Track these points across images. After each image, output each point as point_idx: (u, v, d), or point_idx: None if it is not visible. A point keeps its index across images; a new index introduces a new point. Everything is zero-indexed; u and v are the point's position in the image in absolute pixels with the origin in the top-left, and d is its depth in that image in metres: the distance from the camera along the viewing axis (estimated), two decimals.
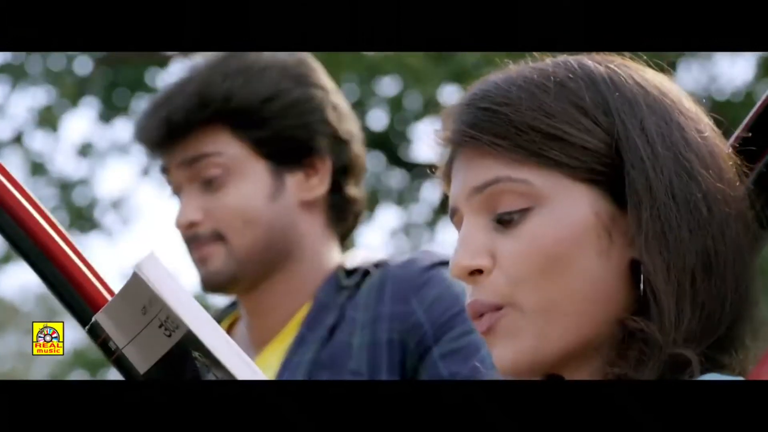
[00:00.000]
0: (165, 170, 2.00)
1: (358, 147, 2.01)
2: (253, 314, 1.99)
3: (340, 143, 1.99)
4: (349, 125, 2.00)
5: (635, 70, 1.28)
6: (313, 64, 2.02)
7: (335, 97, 2.00)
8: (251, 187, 1.95)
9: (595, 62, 1.28)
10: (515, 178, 1.23)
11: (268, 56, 1.99)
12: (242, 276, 1.95)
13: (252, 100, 1.95)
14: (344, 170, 1.99)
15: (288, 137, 1.96)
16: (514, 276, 1.22)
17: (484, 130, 1.24)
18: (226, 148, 1.95)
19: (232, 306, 2.09)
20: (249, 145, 1.95)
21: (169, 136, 1.96)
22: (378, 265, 1.95)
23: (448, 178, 1.29)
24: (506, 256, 1.23)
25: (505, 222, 1.23)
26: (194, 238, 1.96)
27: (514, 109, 1.24)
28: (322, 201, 1.98)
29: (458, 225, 1.27)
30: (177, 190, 1.99)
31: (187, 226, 1.95)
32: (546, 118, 1.23)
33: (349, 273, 1.96)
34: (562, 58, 1.29)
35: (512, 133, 1.23)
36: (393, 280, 1.90)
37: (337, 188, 1.98)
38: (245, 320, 2.02)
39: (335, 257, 1.99)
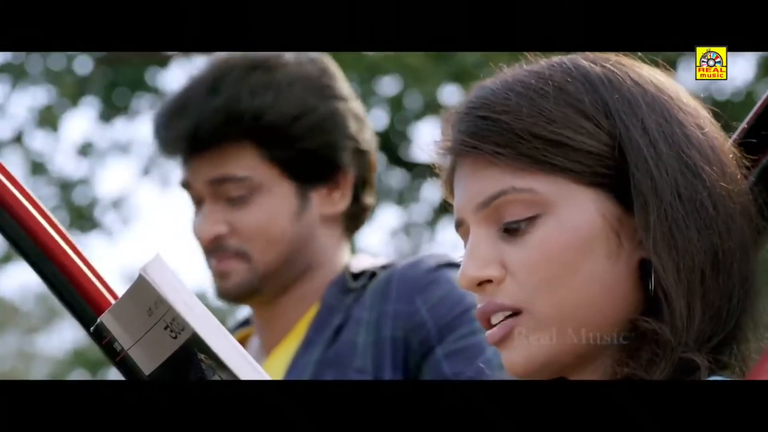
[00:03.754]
0: (186, 185, 1.98)
1: (374, 154, 2.01)
2: (266, 321, 2.00)
3: (360, 154, 1.98)
4: (367, 133, 1.99)
5: (631, 68, 1.27)
6: (333, 70, 1.99)
7: (355, 105, 1.98)
8: (277, 206, 1.94)
9: (590, 62, 1.27)
10: (519, 188, 1.23)
11: (292, 67, 1.95)
12: (262, 290, 1.95)
13: (281, 119, 1.93)
14: (363, 181, 1.99)
15: (314, 157, 1.94)
16: (526, 284, 1.22)
17: (486, 139, 1.24)
18: (253, 170, 1.93)
19: (245, 323, 2.10)
20: (276, 165, 1.94)
21: (195, 149, 1.94)
22: (384, 267, 1.96)
23: (450, 187, 1.28)
24: (517, 265, 1.23)
25: (512, 231, 1.23)
26: (217, 249, 1.95)
27: (514, 117, 1.23)
28: (341, 213, 1.99)
29: (464, 236, 1.27)
30: (198, 202, 1.97)
31: (212, 239, 1.94)
32: (547, 124, 1.23)
33: (356, 276, 1.96)
34: (557, 59, 1.28)
35: (514, 142, 1.23)
36: (399, 280, 1.91)
37: (355, 199, 1.99)
38: (258, 327, 2.02)
39: (345, 260, 2.00)
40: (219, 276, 1.96)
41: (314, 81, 1.96)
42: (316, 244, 1.96)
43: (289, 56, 1.96)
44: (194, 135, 1.92)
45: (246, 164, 1.93)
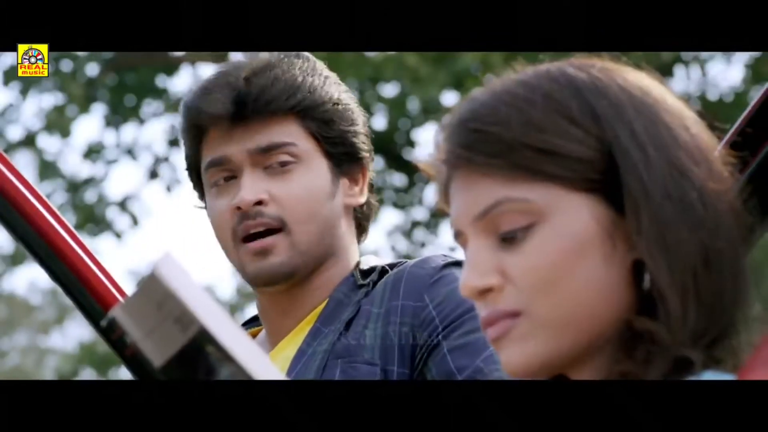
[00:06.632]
0: (220, 161, 1.99)
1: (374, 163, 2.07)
2: (278, 313, 2.02)
3: (371, 155, 2.05)
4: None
5: (617, 73, 1.29)
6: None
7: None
8: (315, 180, 1.98)
9: (576, 69, 1.28)
10: (513, 198, 1.25)
11: (322, 65, 2.03)
12: (301, 269, 1.97)
13: (326, 99, 1.99)
14: (371, 186, 2.05)
15: (348, 142, 2.00)
16: (525, 288, 1.24)
17: (477, 151, 1.26)
18: (298, 140, 1.98)
19: (251, 321, 2.12)
20: (317, 142, 1.98)
21: (242, 117, 1.96)
22: (393, 265, 2.00)
23: (446, 198, 1.30)
24: (516, 272, 1.25)
25: (509, 240, 1.25)
26: (257, 215, 1.95)
27: (504, 128, 1.25)
28: (358, 207, 2.03)
29: (463, 245, 1.29)
30: (234, 174, 1.98)
31: (254, 204, 1.95)
32: (537, 133, 1.25)
33: (366, 273, 2.00)
34: (543, 67, 1.29)
35: (505, 152, 1.25)
36: (408, 277, 1.94)
37: (367, 202, 2.04)
38: (268, 319, 2.04)
39: (357, 258, 2.04)
40: (259, 255, 1.96)
41: (339, 81, 2.04)
42: (339, 231, 2.00)
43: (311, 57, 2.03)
44: (252, 100, 1.95)
45: (291, 134, 1.98)
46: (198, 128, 1.99)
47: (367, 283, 1.98)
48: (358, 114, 2.02)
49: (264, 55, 2.01)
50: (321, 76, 2.00)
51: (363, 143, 2.02)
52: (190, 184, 2.07)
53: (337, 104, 1.99)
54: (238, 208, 1.94)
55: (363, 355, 1.91)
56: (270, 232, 1.95)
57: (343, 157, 1.99)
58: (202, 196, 2.04)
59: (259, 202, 1.94)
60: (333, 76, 2.03)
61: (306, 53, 2.02)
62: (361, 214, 2.04)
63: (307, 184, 1.97)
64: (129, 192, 10.31)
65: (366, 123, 2.05)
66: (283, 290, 1.98)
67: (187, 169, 2.05)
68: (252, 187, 1.95)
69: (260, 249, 1.94)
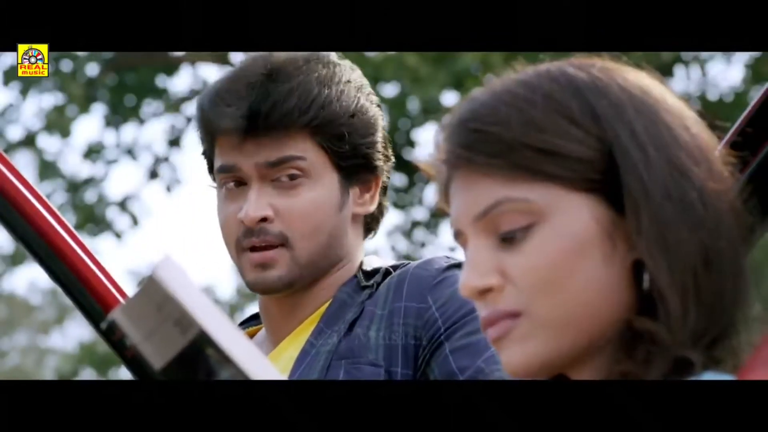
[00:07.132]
0: (229, 168, 1.99)
1: (390, 164, 2.06)
2: (282, 314, 2.02)
3: (387, 161, 2.04)
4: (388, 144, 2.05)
5: (617, 73, 1.29)
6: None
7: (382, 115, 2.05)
8: (323, 195, 1.97)
9: (576, 69, 1.28)
10: (514, 198, 1.25)
11: (345, 67, 2.01)
12: (300, 281, 1.97)
13: (341, 113, 1.97)
14: (384, 188, 2.04)
15: (361, 154, 1.99)
16: (525, 288, 1.24)
17: (477, 151, 1.26)
18: (309, 154, 1.97)
19: (251, 320, 2.12)
20: (329, 155, 1.97)
21: (254, 129, 1.95)
22: (396, 267, 2.00)
23: (446, 197, 1.30)
24: (516, 272, 1.25)
25: (509, 240, 1.25)
26: (260, 232, 1.96)
27: (504, 128, 1.25)
28: (367, 215, 2.03)
29: (463, 245, 1.29)
30: (244, 181, 1.98)
31: (258, 221, 1.95)
32: (537, 133, 1.25)
33: (369, 275, 2.00)
34: (543, 66, 1.29)
35: (505, 152, 1.25)
36: (411, 279, 1.94)
37: (378, 204, 2.04)
38: (269, 319, 2.04)
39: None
40: (259, 267, 1.96)
41: (363, 86, 2.02)
42: (346, 241, 2.00)
43: (335, 56, 2.01)
44: (264, 115, 1.94)
45: (301, 148, 1.97)
46: (210, 133, 2.00)
47: (371, 284, 1.98)
48: (376, 121, 2.01)
49: (281, 56, 1.99)
50: (339, 84, 1.98)
51: (378, 152, 2.00)
52: (192, 181, 2.08)
53: (353, 116, 1.98)
54: (243, 222, 1.95)
55: (367, 356, 1.91)
56: (273, 246, 1.96)
57: (354, 169, 1.99)
58: (215, 179, 2.04)
59: (264, 219, 1.95)
60: (355, 80, 2.00)
61: (328, 54, 2.00)
62: (371, 218, 2.04)
63: (314, 199, 1.96)
64: (129, 192, 10.33)
65: (385, 128, 2.04)
66: (285, 296, 1.99)
67: (202, 154, 2.05)
68: (257, 202, 1.95)
69: (261, 261, 1.95)
